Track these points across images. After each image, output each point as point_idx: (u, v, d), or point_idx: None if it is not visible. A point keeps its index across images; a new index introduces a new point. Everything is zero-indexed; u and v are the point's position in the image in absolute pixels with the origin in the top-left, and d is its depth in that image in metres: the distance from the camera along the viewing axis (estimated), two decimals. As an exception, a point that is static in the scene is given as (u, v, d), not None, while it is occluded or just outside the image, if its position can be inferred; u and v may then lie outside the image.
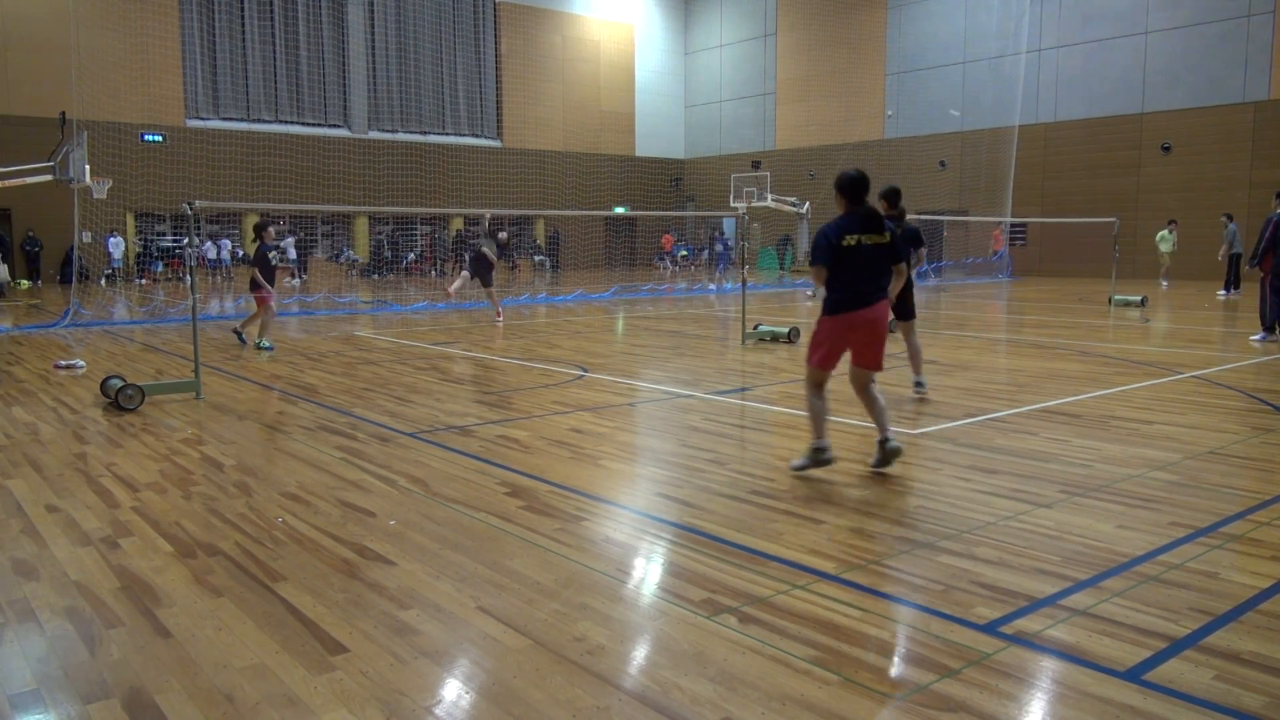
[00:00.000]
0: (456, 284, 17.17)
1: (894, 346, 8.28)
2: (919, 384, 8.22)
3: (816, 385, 5.56)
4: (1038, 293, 23.46)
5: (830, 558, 4.16)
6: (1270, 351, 11.26)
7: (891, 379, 8.82)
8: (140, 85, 28.52)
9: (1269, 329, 12.26)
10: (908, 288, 8.17)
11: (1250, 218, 25.31)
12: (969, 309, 18.80)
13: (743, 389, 8.90)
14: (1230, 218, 22.46)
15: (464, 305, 19.23)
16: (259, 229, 12.50)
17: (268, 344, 12.13)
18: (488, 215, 16.78)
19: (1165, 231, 24.92)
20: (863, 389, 5.64)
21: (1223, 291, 21.73)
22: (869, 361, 5.53)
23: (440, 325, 15.35)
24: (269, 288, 12.18)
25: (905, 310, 8.19)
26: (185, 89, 30.90)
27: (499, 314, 15.89)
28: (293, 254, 29.02)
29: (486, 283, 15.51)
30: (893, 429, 5.67)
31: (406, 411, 7.80)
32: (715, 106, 41.97)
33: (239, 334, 12.83)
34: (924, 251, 8.47)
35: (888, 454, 5.55)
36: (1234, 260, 21.88)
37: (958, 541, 4.36)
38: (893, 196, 8.08)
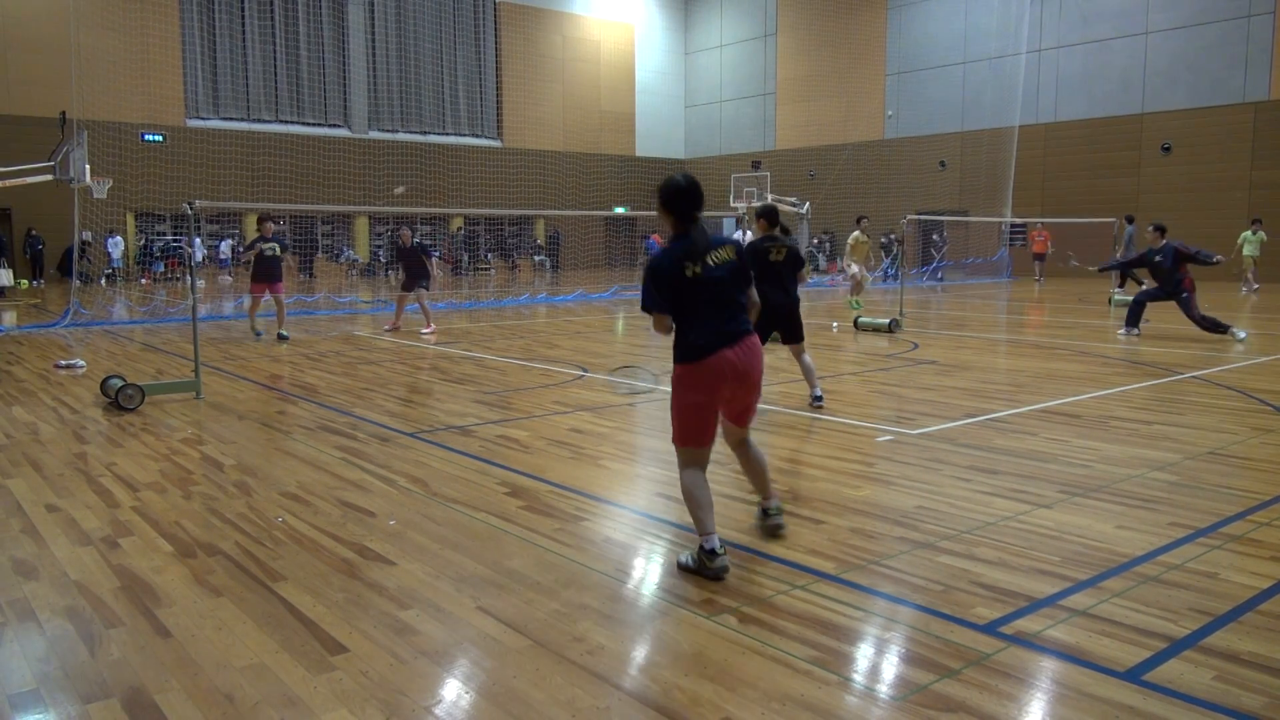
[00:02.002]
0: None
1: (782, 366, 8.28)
2: (817, 398, 7.75)
3: (694, 464, 4.19)
4: (1038, 293, 23.45)
5: (830, 558, 4.16)
6: (1269, 350, 11.26)
7: (892, 381, 8.82)
8: (140, 85, 28.52)
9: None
10: (795, 310, 7.64)
11: (1251, 218, 25.32)
12: (968, 309, 18.80)
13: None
14: (1130, 220, 22.40)
15: (465, 305, 19.22)
16: (259, 221, 13.78)
17: (260, 331, 13.51)
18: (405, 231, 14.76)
19: (1249, 232, 22.29)
20: (740, 444, 4.46)
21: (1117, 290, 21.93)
22: (744, 418, 4.34)
23: (440, 325, 15.33)
24: (255, 282, 13.37)
25: (795, 333, 7.71)
26: (185, 89, 30.92)
27: (393, 325, 14.54)
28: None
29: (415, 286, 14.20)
30: (776, 500, 4.59)
31: (406, 411, 7.80)
32: (715, 107, 41.97)
33: (281, 336, 13.45)
34: (806, 271, 7.71)
35: (770, 527, 4.51)
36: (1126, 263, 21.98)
37: (958, 541, 4.36)
38: (771, 215, 7.62)
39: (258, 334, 13.51)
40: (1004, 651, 3.22)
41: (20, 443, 6.69)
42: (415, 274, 14.18)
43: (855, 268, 17.79)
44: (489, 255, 36.82)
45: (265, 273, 13.23)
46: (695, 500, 4.09)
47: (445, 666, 3.17)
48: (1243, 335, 12.32)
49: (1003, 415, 7.43)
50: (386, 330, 14.37)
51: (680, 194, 4.11)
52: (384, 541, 4.43)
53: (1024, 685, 3.00)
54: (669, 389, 4.25)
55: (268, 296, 13.47)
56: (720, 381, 4.07)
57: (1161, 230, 12.91)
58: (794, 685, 2.99)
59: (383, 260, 34.55)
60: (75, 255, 21.15)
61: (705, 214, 4.21)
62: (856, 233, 17.95)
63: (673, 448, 4.30)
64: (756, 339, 4.23)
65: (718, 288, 4.08)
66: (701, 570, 3.99)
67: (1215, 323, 12.39)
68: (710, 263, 4.08)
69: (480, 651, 3.27)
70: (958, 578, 3.90)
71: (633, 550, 4.39)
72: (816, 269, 24.27)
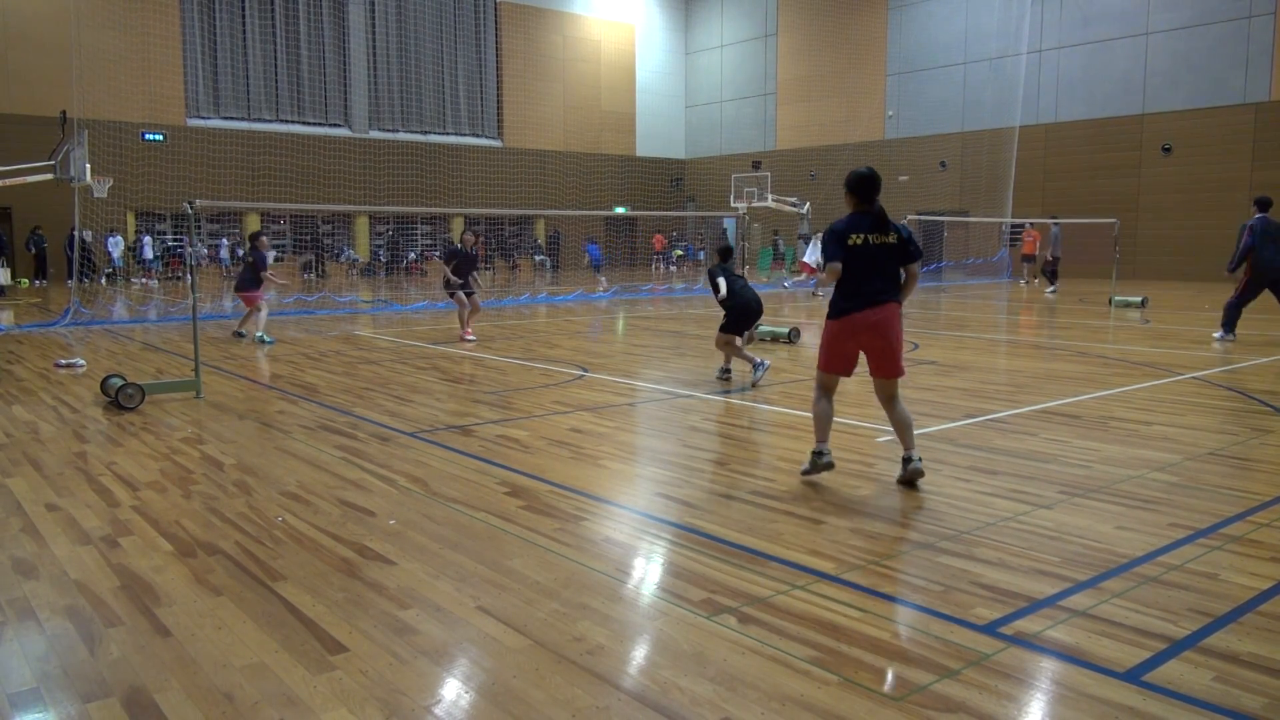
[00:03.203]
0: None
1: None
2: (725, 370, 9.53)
3: (823, 389, 5.49)
4: (1037, 293, 23.45)
5: (830, 558, 4.16)
6: (1270, 352, 11.26)
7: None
8: (141, 84, 28.54)
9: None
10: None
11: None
12: (969, 309, 18.80)
13: (743, 389, 8.90)
14: (1055, 221, 23.11)
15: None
16: (254, 237, 13.76)
17: (269, 338, 13.15)
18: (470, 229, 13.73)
19: None
20: (887, 400, 5.39)
21: (1051, 289, 23.16)
22: (884, 370, 5.31)
23: (441, 325, 15.34)
24: (255, 289, 13.34)
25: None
26: (186, 88, 30.93)
27: (466, 332, 13.37)
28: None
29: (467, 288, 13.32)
30: (915, 451, 5.33)
31: (406, 411, 7.80)
32: (715, 106, 41.98)
33: (239, 333, 13.63)
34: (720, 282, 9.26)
35: (909, 473, 5.28)
36: (1053, 262, 23.36)
37: (957, 542, 4.35)
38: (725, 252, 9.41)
39: (270, 340, 13.28)
40: (1004, 652, 3.22)
41: (20, 442, 6.69)
42: (465, 279, 13.29)
43: None
44: (490, 255, 36.84)
45: (255, 281, 13.48)
46: (818, 416, 5.45)
47: (445, 666, 3.17)
48: (1222, 337, 12.34)
49: (1003, 416, 7.44)
50: (468, 340, 13.02)
51: (862, 180, 5.29)
52: (384, 541, 4.43)
53: (1024, 686, 3.00)
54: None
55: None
56: (855, 332, 5.27)
57: (1258, 205, 12.40)
58: (794, 685, 2.99)
59: (383, 260, 34.58)
60: (76, 254, 21.15)
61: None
62: None
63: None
64: (896, 306, 5.30)
65: (872, 260, 5.21)
66: (813, 467, 5.42)
67: (1231, 318, 12.32)
68: (872, 240, 5.21)
69: (480, 651, 3.27)
70: (958, 578, 3.90)
71: (633, 550, 4.39)
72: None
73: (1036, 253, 27.28)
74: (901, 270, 5.32)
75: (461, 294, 13.32)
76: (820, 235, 5.28)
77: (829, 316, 5.34)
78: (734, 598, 3.71)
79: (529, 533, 4.54)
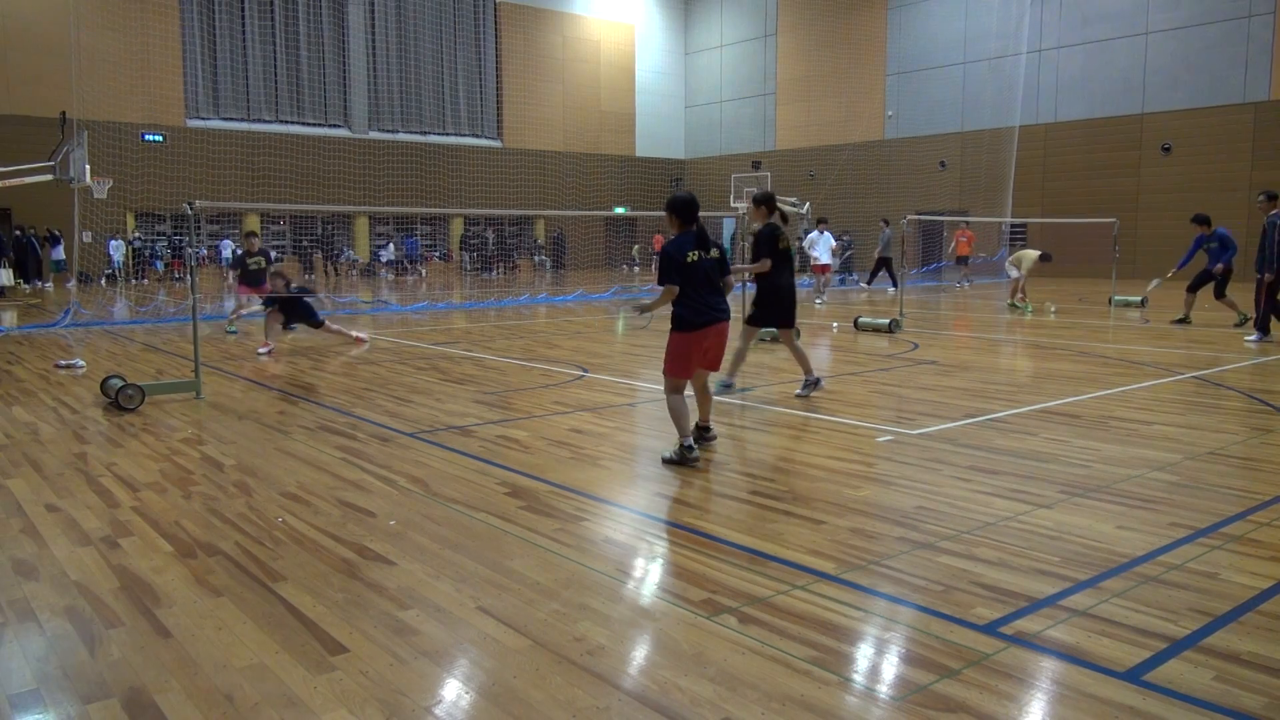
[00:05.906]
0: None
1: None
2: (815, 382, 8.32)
3: (675, 390, 5.97)
4: (1037, 293, 23.44)
5: (830, 558, 4.16)
6: (1268, 351, 11.26)
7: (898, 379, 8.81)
8: (140, 85, 28.54)
9: (1264, 330, 12.34)
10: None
11: (1251, 218, 25.33)
12: (968, 309, 18.80)
13: (743, 389, 8.89)
14: (886, 222, 23.77)
15: (465, 305, 19.19)
16: (247, 236, 14.97)
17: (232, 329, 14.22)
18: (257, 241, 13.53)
19: None
20: (703, 386, 6.30)
21: (865, 285, 24.95)
22: (712, 364, 6.11)
23: (441, 325, 15.34)
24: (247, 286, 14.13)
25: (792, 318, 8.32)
26: (185, 89, 30.94)
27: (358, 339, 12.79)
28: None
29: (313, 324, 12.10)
30: (714, 422, 6.50)
31: (406, 411, 7.80)
32: (715, 107, 41.98)
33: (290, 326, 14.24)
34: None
35: (707, 440, 6.28)
36: (881, 262, 24.54)
37: (958, 542, 4.35)
38: (770, 201, 8.06)
39: (231, 331, 14.32)
40: (1004, 651, 3.22)
41: (20, 443, 6.69)
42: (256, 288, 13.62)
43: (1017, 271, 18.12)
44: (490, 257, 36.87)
45: (251, 280, 14.19)
46: (678, 412, 5.88)
47: (445, 666, 3.17)
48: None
49: (1003, 415, 7.43)
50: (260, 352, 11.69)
51: (687, 204, 5.89)
52: (384, 541, 4.43)
53: (1024, 685, 3.00)
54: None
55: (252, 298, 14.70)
56: (703, 342, 5.88)
57: (1271, 198, 12.19)
58: (794, 685, 2.99)
59: (382, 260, 34.57)
60: (75, 257, 21.12)
61: (707, 213, 5.53)
62: (1028, 251, 17.98)
63: (672, 446, 5.84)
64: (729, 315, 5.98)
65: (706, 274, 5.85)
66: (683, 461, 5.81)
67: (1266, 318, 12.28)
68: (702, 257, 5.82)
69: (480, 651, 3.27)
70: (958, 578, 3.90)
71: (633, 550, 4.39)
72: (803, 268, 23.96)
73: (971, 253, 27.37)
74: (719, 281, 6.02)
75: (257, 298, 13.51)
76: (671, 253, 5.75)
77: (678, 329, 5.85)
78: (734, 598, 3.71)
79: (529, 533, 4.54)
